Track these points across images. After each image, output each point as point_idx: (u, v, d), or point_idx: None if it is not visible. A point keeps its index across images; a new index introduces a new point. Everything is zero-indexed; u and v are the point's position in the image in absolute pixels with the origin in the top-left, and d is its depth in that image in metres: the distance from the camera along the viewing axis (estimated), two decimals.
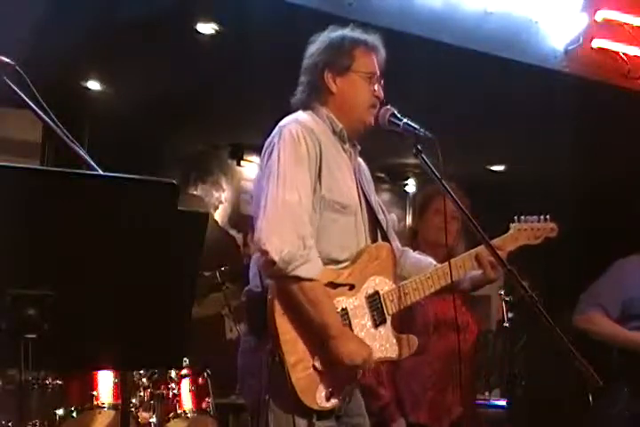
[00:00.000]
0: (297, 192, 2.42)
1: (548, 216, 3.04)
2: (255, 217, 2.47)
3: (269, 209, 2.41)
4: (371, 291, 2.58)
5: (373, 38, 2.69)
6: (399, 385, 3.34)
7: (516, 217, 3.06)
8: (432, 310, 3.29)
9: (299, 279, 2.37)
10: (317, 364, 2.43)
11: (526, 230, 2.98)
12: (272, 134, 2.57)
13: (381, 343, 2.60)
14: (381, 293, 2.60)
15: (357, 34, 2.69)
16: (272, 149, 2.51)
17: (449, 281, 2.67)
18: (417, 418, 3.31)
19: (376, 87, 2.66)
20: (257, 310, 2.47)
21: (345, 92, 2.64)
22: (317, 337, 2.43)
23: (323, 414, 2.46)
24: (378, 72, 2.68)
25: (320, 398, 2.42)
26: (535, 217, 3.04)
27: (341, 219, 2.56)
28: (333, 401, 2.46)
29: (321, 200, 2.51)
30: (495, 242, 2.79)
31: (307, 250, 2.37)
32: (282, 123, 2.59)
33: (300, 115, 2.62)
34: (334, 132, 2.64)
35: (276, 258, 2.34)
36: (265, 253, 2.36)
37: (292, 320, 2.41)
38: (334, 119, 2.64)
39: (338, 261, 2.55)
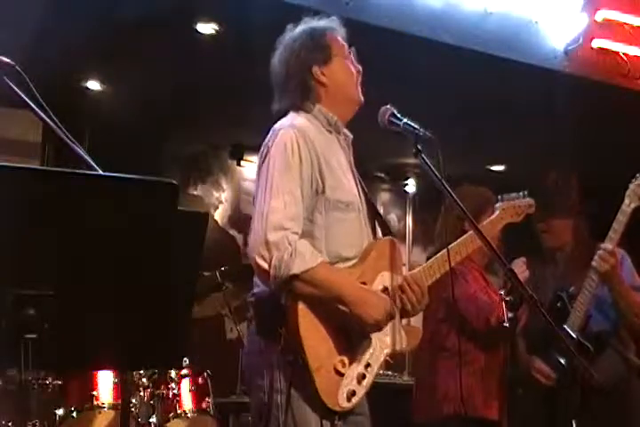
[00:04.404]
0: (282, 198, 2.44)
1: (526, 192, 3.12)
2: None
3: (256, 222, 2.45)
4: (381, 287, 2.60)
5: (329, 21, 2.77)
6: (469, 381, 3.43)
7: (499, 197, 3.15)
8: (494, 315, 3.37)
9: (297, 276, 2.39)
10: (340, 365, 2.45)
11: (509, 209, 3.09)
12: (267, 137, 2.59)
13: (392, 337, 2.62)
14: (390, 288, 2.62)
15: (317, 23, 2.76)
16: (266, 155, 2.54)
17: (447, 268, 2.71)
18: (489, 414, 3.43)
19: (353, 62, 2.74)
20: (266, 309, 2.49)
21: (334, 78, 2.68)
22: (337, 335, 2.46)
23: (343, 414, 2.50)
24: (347, 47, 2.75)
25: (342, 400, 2.45)
26: (514, 194, 3.13)
27: (347, 217, 2.57)
28: (354, 400, 2.49)
29: (325, 202, 2.53)
30: (485, 224, 2.95)
31: (291, 247, 2.39)
32: (276, 126, 2.60)
33: (295, 117, 2.63)
34: (329, 124, 2.67)
35: (267, 266, 2.38)
36: (257, 266, 2.41)
37: (314, 323, 2.43)
38: (327, 113, 2.67)
39: (347, 259, 2.57)
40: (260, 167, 2.55)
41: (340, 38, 2.75)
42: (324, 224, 2.52)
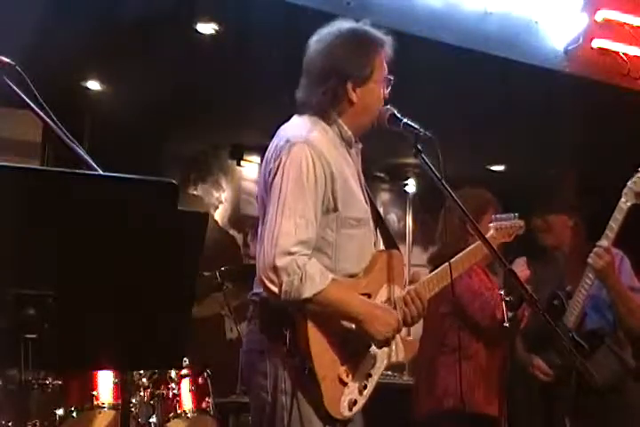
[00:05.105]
0: (293, 221, 2.41)
1: (517, 214, 3.25)
2: (258, 241, 2.48)
3: (265, 243, 2.41)
4: (384, 299, 2.62)
5: (383, 35, 2.66)
6: (471, 378, 3.49)
7: (492, 217, 3.27)
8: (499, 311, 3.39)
9: (309, 299, 2.39)
10: (344, 374, 2.48)
11: (502, 229, 3.22)
12: (278, 145, 2.51)
13: (392, 349, 2.65)
14: (393, 300, 2.63)
15: (374, 32, 2.64)
16: (278, 168, 2.47)
17: (448, 281, 2.73)
18: (489, 410, 3.46)
19: (387, 91, 2.67)
20: (271, 310, 2.48)
21: (364, 102, 2.61)
22: (342, 345, 2.48)
23: (343, 421, 2.53)
24: (387, 72, 2.67)
25: (343, 408, 2.48)
26: (506, 215, 3.26)
27: (357, 233, 2.57)
28: (355, 410, 2.51)
29: (337, 219, 2.52)
30: (478, 245, 2.91)
31: (301, 270, 2.37)
32: (290, 136, 2.52)
33: (311, 128, 2.56)
34: (342, 138, 2.62)
35: (277, 291, 2.37)
36: (266, 289, 2.40)
37: (322, 337, 2.45)
38: (343, 126, 2.61)
39: (355, 275, 2.58)
40: (272, 178, 2.48)
41: (384, 61, 2.64)
42: (334, 242, 2.52)
